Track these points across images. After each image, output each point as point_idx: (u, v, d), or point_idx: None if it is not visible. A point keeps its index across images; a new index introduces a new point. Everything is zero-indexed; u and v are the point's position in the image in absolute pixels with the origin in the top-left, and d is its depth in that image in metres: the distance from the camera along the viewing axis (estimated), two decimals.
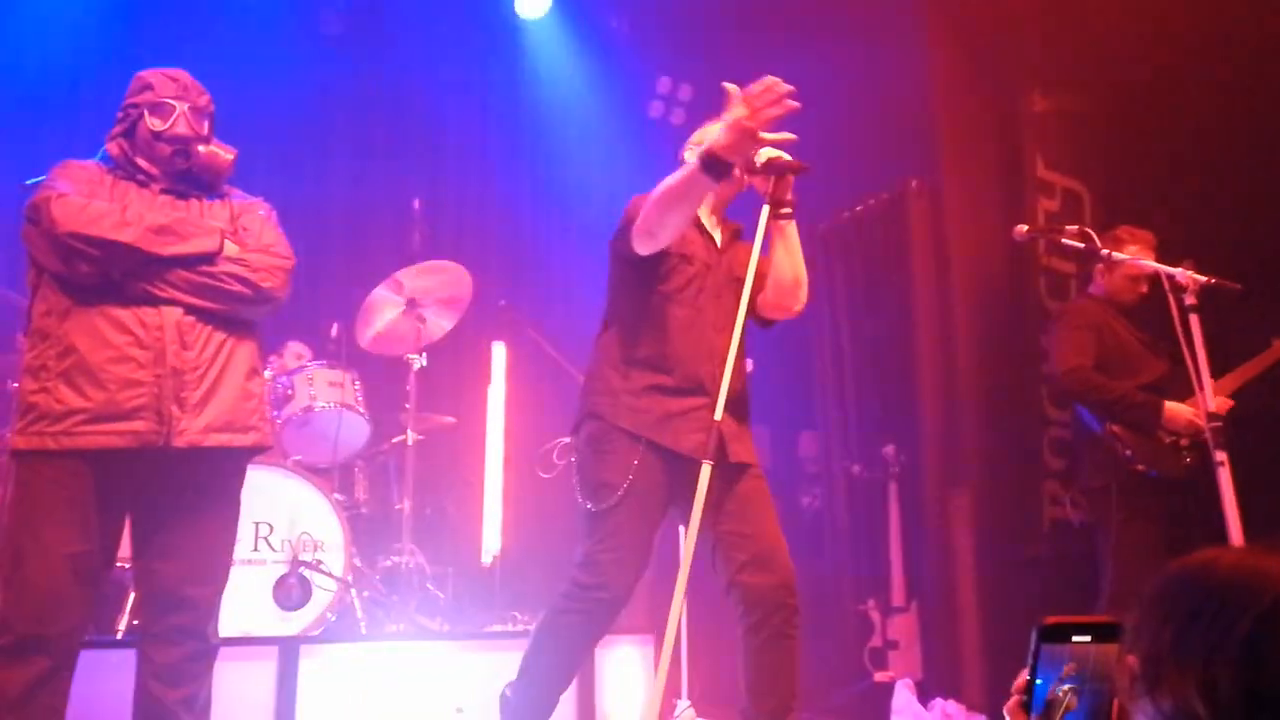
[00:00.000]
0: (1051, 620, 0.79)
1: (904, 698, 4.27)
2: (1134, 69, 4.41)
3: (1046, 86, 4.80)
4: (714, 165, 2.19)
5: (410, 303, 4.07)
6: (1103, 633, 0.79)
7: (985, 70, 4.83)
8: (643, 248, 2.40)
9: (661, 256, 2.45)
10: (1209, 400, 2.68)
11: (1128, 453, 3.31)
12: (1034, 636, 0.78)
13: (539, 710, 2.45)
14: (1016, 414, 4.40)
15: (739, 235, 2.65)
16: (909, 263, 4.85)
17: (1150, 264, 2.84)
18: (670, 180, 2.29)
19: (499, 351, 4.93)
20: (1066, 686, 0.78)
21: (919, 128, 4.85)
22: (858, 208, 5.20)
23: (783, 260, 2.50)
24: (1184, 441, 3.30)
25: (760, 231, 2.41)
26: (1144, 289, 3.50)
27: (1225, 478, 2.55)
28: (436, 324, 4.21)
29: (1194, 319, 2.68)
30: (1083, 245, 3.07)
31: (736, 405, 2.44)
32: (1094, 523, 3.52)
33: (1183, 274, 2.73)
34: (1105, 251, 3.01)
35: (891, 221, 5.00)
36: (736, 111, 2.15)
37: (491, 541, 4.70)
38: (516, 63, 5.83)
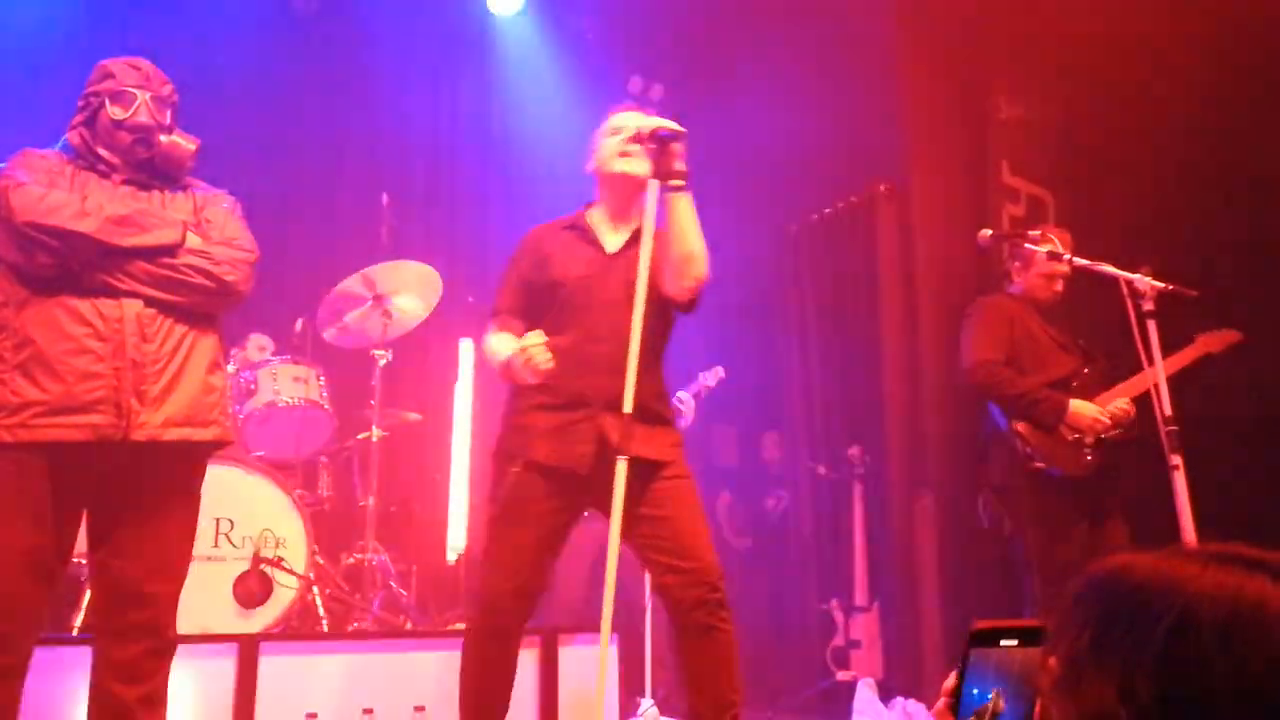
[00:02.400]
0: (981, 625, 0.80)
1: (865, 697, 4.30)
2: (1099, 77, 4.48)
3: (1013, 93, 4.86)
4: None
5: (377, 298, 4.05)
6: (1029, 637, 0.81)
7: (953, 76, 4.88)
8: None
9: (536, 287, 2.56)
10: (1166, 405, 2.72)
11: (1027, 450, 3.32)
12: (965, 642, 0.79)
13: (489, 707, 2.50)
14: (981, 416, 4.46)
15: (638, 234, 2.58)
16: (876, 265, 4.90)
17: (1109, 269, 2.88)
18: (499, 366, 2.48)
19: (466, 348, 4.91)
20: (994, 690, 0.80)
21: (887, 132, 4.89)
22: (826, 210, 5.23)
23: (673, 235, 2.41)
24: (1088, 439, 3.31)
25: (650, 210, 2.33)
26: (1059, 287, 3.52)
27: (1180, 481, 2.59)
28: (402, 321, 4.18)
29: (1151, 324, 2.72)
30: (1044, 250, 3.11)
31: (641, 405, 2.35)
32: (1003, 522, 3.54)
33: (1141, 280, 2.77)
34: (1066, 257, 3.05)
35: (859, 225, 5.04)
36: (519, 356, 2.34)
37: (456, 539, 4.68)
38: (487, 58, 5.82)
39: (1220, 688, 0.66)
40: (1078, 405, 3.31)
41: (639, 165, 2.44)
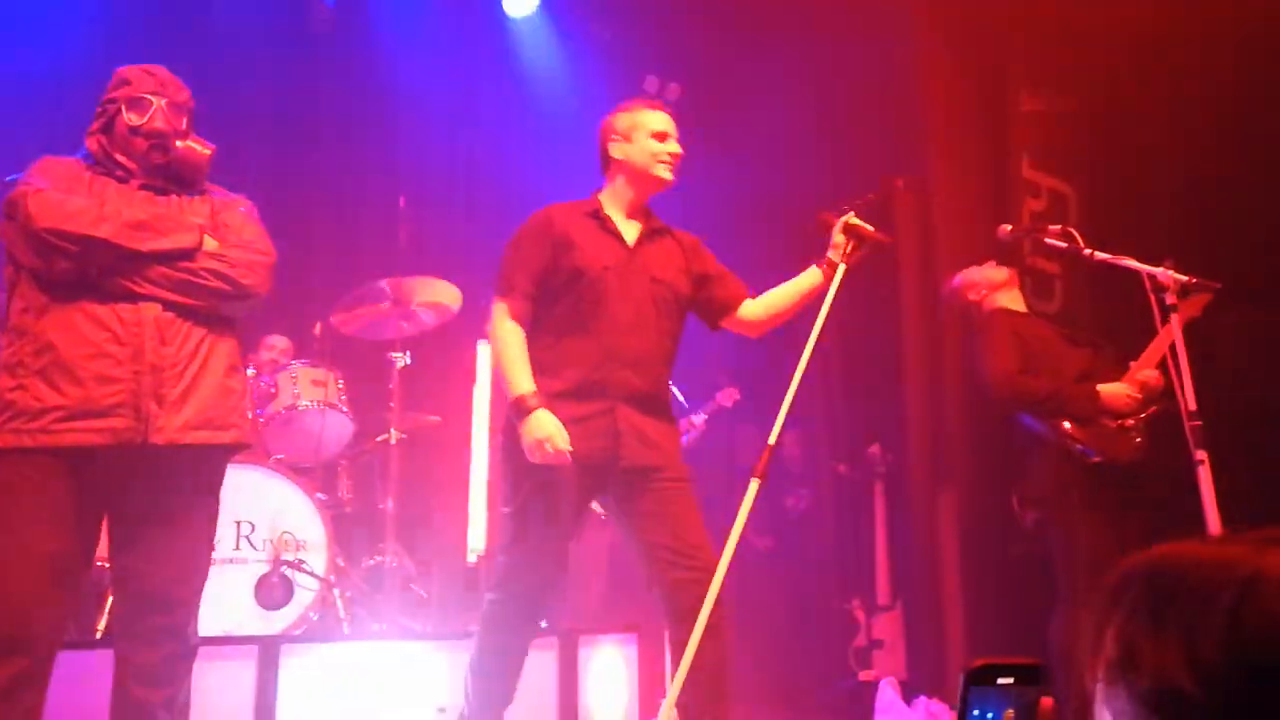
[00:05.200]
0: (979, 663, 0.80)
1: (888, 696, 4.28)
2: (1121, 70, 4.43)
3: (1033, 87, 4.81)
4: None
5: (396, 301, 4.06)
6: (1026, 675, 0.80)
7: (972, 70, 4.84)
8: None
9: (555, 271, 2.52)
10: (1190, 400, 2.68)
11: (1079, 447, 3.23)
12: (962, 680, 0.79)
13: (490, 699, 2.52)
14: (1009, 424, 4.42)
15: (660, 233, 2.67)
16: (896, 261, 4.86)
17: (1131, 263, 2.84)
18: (504, 369, 2.47)
19: (485, 351, 4.92)
20: (1007, 711, 0.79)
21: (906, 127, 4.86)
22: (844, 206, 5.20)
23: (795, 297, 2.63)
24: (1130, 423, 3.26)
25: (833, 292, 2.48)
26: (1015, 288, 3.56)
27: (1205, 476, 2.56)
28: (417, 325, 4.21)
29: (1175, 318, 2.69)
30: (1065, 245, 3.07)
31: (650, 407, 2.49)
32: (1048, 526, 3.44)
33: (1163, 273, 2.74)
34: (1088, 251, 3.01)
35: (878, 220, 5.00)
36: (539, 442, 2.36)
37: (476, 541, 4.69)
38: (504, 60, 5.83)
39: None
40: (1108, 389, 3.25)
41: (838, 257, 2.53)
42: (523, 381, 2.42)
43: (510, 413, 2.43)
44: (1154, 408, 3.28)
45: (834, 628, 4.85)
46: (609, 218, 2.62)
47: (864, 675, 4.52)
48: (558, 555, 2.48)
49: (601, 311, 2.50)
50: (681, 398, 4.46)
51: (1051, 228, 3.20)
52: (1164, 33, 4.12)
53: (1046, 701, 0.78)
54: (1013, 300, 3.59)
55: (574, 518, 2.51)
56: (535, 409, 2.37)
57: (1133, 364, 3.33)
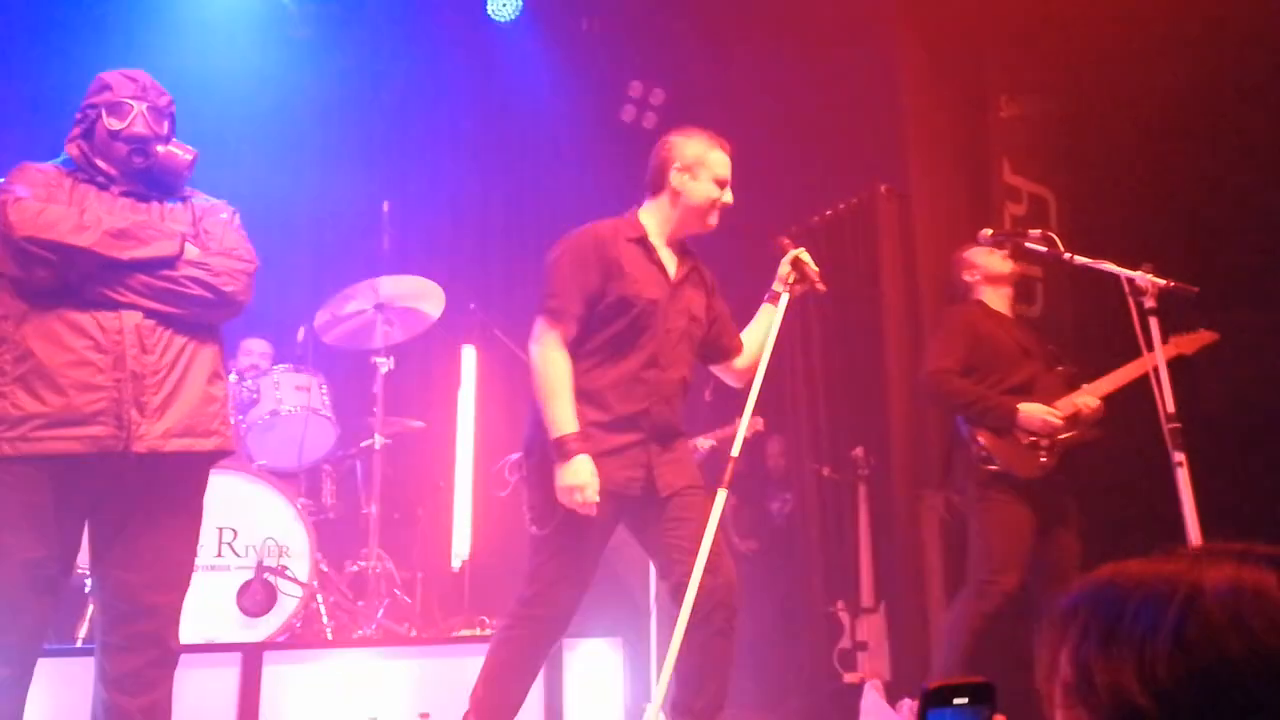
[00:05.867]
0: (935, 684, 0.83)
1: (873, 699, 4.29)
2: (1100, 74, 4.46)
3: (1014, 92, 4.85)
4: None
5: (379, 306, 4.06)
6: (979, 695, 0.83)
7: (953, 76, 4.87)
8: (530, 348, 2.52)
9: (602, 296, 2.50)
10: (1169, 403, 2.71)
11: (983, 453, 3.34)
12: (919, 701, 0.82)
13: (501, 713, 2.53)
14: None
15: (698, 270, 2.69)
16: (878, 267, 4.88)
17: (1110, 267, 2.87)
18: (547, 406, 2.43)
19: (469, 355, 4.92)
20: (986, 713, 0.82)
21: (887, 133, 4.88)
22: (827, 212, 5.22)
23: (761, 339, 2.68)
24: (1043, 442, 3.32)
25: (778, 320, 2.61)
26: (1008, 287, 3.59)
27: (1183, 478, 2.58)
28: (402, 329, 4.20)
29: (1153, 322, 2.71)
30: (1045, 249, 3.10)
31: (670, 435, 2.55)
32: (964, 521, 3.58)
33: (1142, 277, 2.76)
34: (1067, 255, 3.04)
35: (860, 226, 5.03)
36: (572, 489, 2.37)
37: (461, 546, 4.68)
38: (487, 65, 5.82)
39: (1237, 659, 0.68)
40: (1028, 408, 3.32)
41: (782, 288, 2.65)
42: (567, 421, 2.40)
43: (551, 448, 2.40)
44: (1074, 434, 3.34)
45: (818, 630, 4.86)
46: (654, 247, 2.59)
47: (848, 677, 4.53)
48: (586, 577, 2.51)
49: (643, 344, 2.51)
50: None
51: (1031, 232, 3.22)
52: (1143, 37, 4.16)
53: (999, 719, 0.81)
54: (997, 298, 3.61)
55: (603, 542, 2.53)
56: (576, 454, 2.37)
57: (1085, 386, 3.39)
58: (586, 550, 2.48)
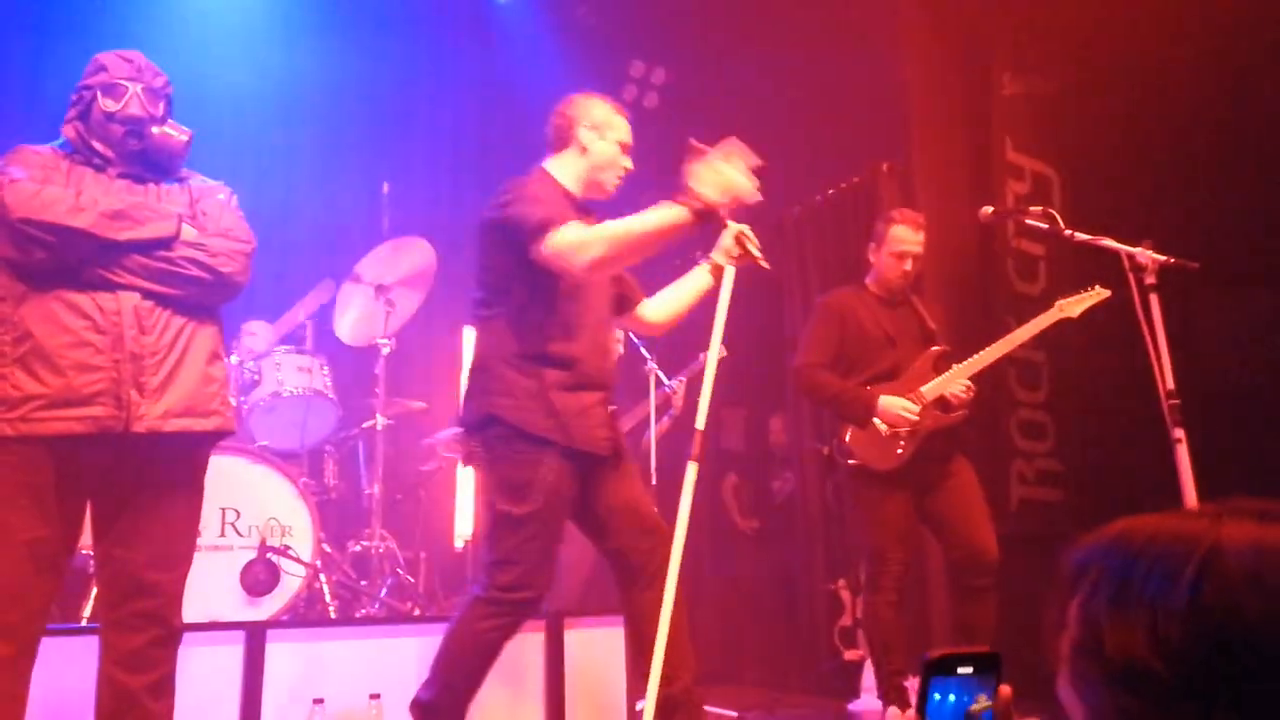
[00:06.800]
0: (938, 653, 0.81)
1: (873, 677, 4.30)
2: (1103, 52, 4.43)
3: (1016, 70, 4.82)
4: (708, 218, 2.32)
5: (378, 289, 4.06)
6: (984, 664, 0.81)
7: (955, 54, 4.84)
8: (561, 265, 2.36)
9: None
10: (1169, 381, 2.70)
11: (843, 447, 3.40)
12: (921, 669, 0.80)
13: (468, 693, 2.46)
14: (984, 394, 4.44)
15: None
16: None
17: (1110, 243, 2.86)
18: (648, 224, 2.31)
19: (469, 335, 4.91)
20: (979, 696, 0.80)
21: (890, 111, 4.86)
22: (829, 191, 5.21)
23: (690, 300, 2.70)
24: (902, 433, 3.32)
25: (727, 293, 2.52)
26: (908, 267, 3.49)
27: (1183, 454, 2.58)
28: (406, 305, 4.21)
29: (1154, 298, 2.70)
30: (1046, 226, 3.09)
31: (611, 390, 2.57)
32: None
33: (1142, 253, 2.75)
34: (1068, 233, 3.03)
35: (862, 205, 5.01)
36: (734, 180, 2.32)
37: (463, 526, 4.70)
38: (488, 45, 5.80)
39: (1257, 624, 0.66)
40: (886, 401, 3.32)
41: (724, 260, 2.58)
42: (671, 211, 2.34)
43: (699, 214, 2.31)
44: (937, 420, 3.36)
45: (819, 608, 4.88)
46: (579, 202, 2.59)
47: (849, 655, 4.55)
48: (559, 550, 2.48)
49: (585, 301, 2.51)
50: (665, 378, 4.47)
51: (1033, 209, 3.21)
52: (1146, 14, 4.13)
53: (1005, 689, 0.79)
54: (891, 276, 3.53)
55: (571, 508, 2.50)
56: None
57: (955, 366, 3.38)
58: (562, 522, 2.46)
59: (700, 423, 2.37)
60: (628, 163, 2.64)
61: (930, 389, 3.37)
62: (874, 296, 3.56)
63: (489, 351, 2.48)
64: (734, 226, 2.56)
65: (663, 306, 2.73)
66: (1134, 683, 0.69)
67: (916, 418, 3.32)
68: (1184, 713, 0.67)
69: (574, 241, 2.33)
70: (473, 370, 2.55)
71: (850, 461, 3.39)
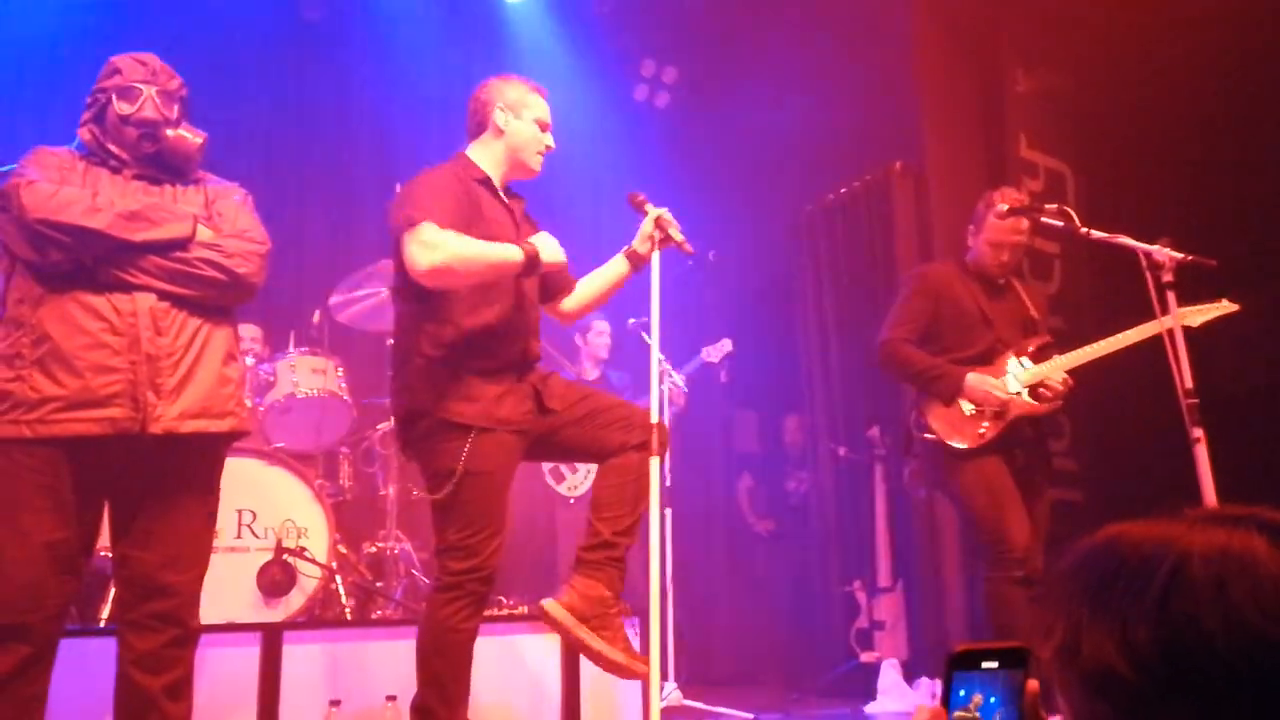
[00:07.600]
0: (961, 647, 0.81)
1: (890, 678, 4.30)
2: (1116, 49, 4.41)
3: (1029, 67, 4.80)
4: (532, 271, 2.43)
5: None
6: (1009, 658, 0.80)
7: (969, 51, 4.83)
8: (408, 263, 2.36)
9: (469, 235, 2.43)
10: (1187, 379, 2.68)
11: (921, 420, 3.32)
12: (945, 664, 0.80)
13: (452, 709, 2.42)
14: None
15: (525, 212, 2.71)
16: (893, 244, 4.86)
17: (1128, 241, 2.84)
18: (490, 254, 2.38)
19: None
20: (976, 695, 0.80)
21: (903, 110, 4.85)
22: (842, 190, 5.20)
23: (606, 289, 2.71)
24: (986, 413, 3.24)
25: (657, 281, 2.57)
26: (1005, 257, 3.39)
27: (1202, 453, 2.56)
28: None
29: (1170, 296, 2.69)
30: (1061, 224, 3.07)
31: (538, 362, 2.60)
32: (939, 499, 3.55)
33: (1159, 251, 2.73)
34: (1084, 230, 3.01)
35: (876, 203, 5.00)
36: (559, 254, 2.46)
37: None
38: (500, 46, 5.80)
39: (1216, 632, 0.67)
40: (974, 379, 3.24)
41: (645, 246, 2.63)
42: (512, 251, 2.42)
43: (529, 264, 2.40)
44: (1029, 407, 3.25)
45: (835, 610, 4.87)
46: (496, 188, 2.61)
47: (865, 656, 4.54)
48: (502, 524, 2.47)
49: (508, 286, 2.51)
50: (673, 373, 4.46)
51: (1048, 206, 3.19)
52: (1160, 10, 4.11)
53: (1033, 684, 0.79)
54: (988, 262, 3.44)
55: (508, 483, 2.51)
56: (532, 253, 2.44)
57: (1057, 358, 3.29)
58: (503, 500, 2.46)
59: (654, 416, 2.44)
60: (549, 140, 2.65)
61: (1027, 376, 3.27)
62: (974, 276, 3.45)
63: (408, 344, 2.49)
64: (654, 211, 2.58)
65: (575, 295, 2.73)
66: (1106, 689, 0.70)
67: (1005, 395, 3.22)
68: None
69: (423, 241, 2.33)
70: (394, 363, 2.57)
71: (927, 435, 3.29)
